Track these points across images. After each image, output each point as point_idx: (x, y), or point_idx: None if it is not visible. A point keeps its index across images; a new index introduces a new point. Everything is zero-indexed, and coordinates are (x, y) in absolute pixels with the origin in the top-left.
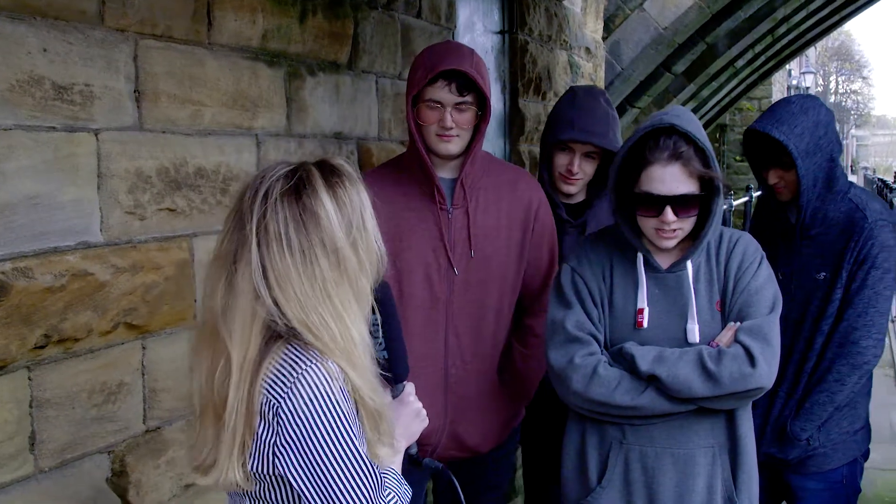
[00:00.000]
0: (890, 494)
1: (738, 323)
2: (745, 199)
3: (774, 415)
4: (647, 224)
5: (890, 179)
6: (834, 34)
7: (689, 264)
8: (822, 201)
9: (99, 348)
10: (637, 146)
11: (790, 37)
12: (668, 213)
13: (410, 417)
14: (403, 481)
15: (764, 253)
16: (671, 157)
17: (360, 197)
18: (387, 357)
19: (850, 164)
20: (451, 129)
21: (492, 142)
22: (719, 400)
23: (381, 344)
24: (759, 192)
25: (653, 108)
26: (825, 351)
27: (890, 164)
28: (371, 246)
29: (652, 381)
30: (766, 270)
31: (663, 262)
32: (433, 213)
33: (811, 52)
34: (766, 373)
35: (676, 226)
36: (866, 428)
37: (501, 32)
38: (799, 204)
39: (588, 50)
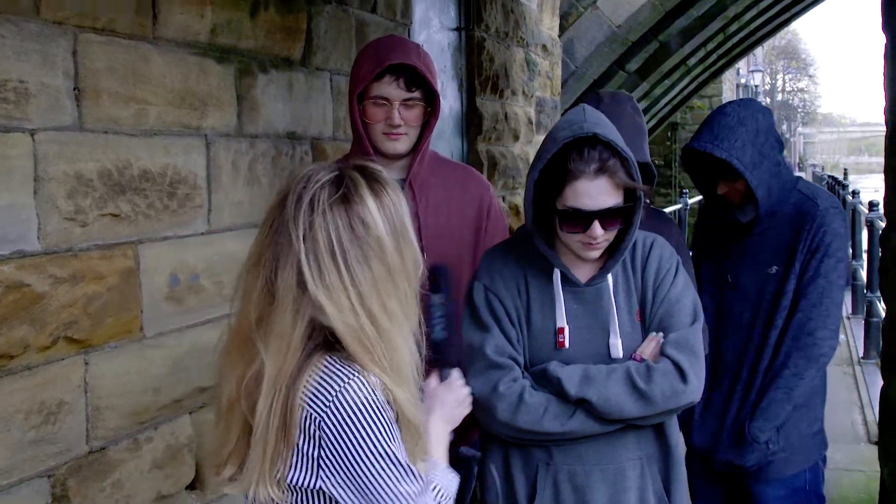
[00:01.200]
0: (856, 495)
1: (660, 334)
2: (701, 196)
3: (731, 418)
4: (572, 238)
5: (840, 176)
6: (781, 33)
7: (609, 277)
8: (770, 200)
9: (37, 365)
10: (558, 156)
11: (741, 35)
12: (597, 227)
13: (456, 403)
14: (450, 471)
15: (679, 258)
16: (598, 171)
17: (400, 202)
18: (444, 339)
19: (797, 162)
20: (400, 126)
21: (449, 141)
22: (651, 418)
23: (440, 324)
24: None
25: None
26: (779, 346)
27: (837, 160)
28: (414, 252)
29: (581, 403)
30: (683, 277)
31: (581, 275)
32: None
33: (759, 51)
34: (697, 387)
35: (602, 238)
36: (822, 430)
37: (458, 29)
38: (758, 213)
39: (545, 47)
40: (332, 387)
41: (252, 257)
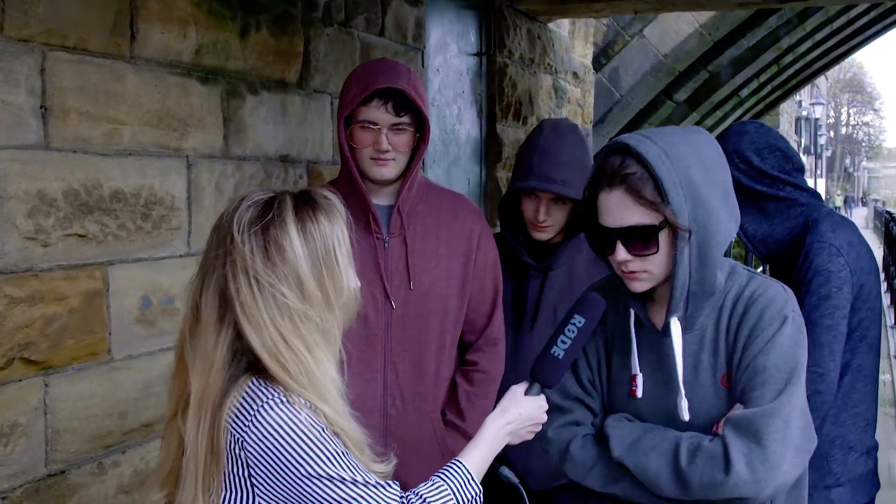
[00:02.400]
0: None
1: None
2: None
3: None
4: (613, 264)
5: None
6: (845, 65)
7: (673, 322)
8: (760, 224)
9: None
10: None
11: (796, 66)
12: (620, 249)
13: (530, 421)
14: (471, 483)
15: (798, 313)
16: (613, 181)
17: (333, 231)
18: (558, 357)
19: (860, 197)
20: (388, 152)
21: (466, 168)
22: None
23: (565, 344)
24: None
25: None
26: None
27: None
28: (340, 284)
29: (624, 468)
30: (788, 339)
31: (658, 319)
32: (369, 242)
33: (822, 82)
34: (748, 481)
35: (636, 267)
36: (849, 488)
37: (478, 54)
38: None
39: (576, 74)
40: (251, 407)
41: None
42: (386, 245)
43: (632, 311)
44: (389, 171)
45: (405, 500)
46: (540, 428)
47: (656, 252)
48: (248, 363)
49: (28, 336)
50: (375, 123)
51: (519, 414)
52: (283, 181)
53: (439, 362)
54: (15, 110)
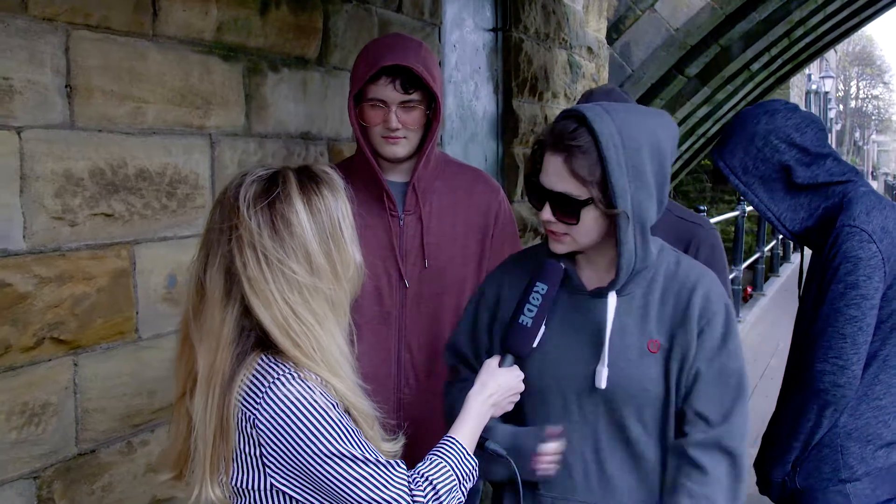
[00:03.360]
0: None
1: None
2: None
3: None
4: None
5: None
6: (855, 38)
7: (611, 296)
8: (822, 212)
9: (21, 366)
10: None
11: (807, 39)
12: (546, 209)
13: (510, 391)
14: (468, 457)
15: (729, 301)
16: (558, 146)
17: (337, 205)
18: (526, 325)
19: (870, 170)
20: (398, 129)
21: (483, 143)
22: None
23: (531, 312)
24: None
25: (665, 111)
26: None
27: None
28: (347, 257)
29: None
30: (734, 338)
31: (589, 282)
32: (383, 220)
33: (831, 56)
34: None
35: (558, 229)
36: (867, 482)
37: (494, 30)
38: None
39: (590, 49)
40: (261, 384)
41: (197, 254)
42: (401, 223)
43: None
44: (401, 148)
45: (411, 480)
46: (518, 397)
47: (576, 224)
48: (257, 339)
49: (57, 316)
50: (384, 101)
51: (498, 385)
52: (304, 159)
53: None
54: (41, 90)
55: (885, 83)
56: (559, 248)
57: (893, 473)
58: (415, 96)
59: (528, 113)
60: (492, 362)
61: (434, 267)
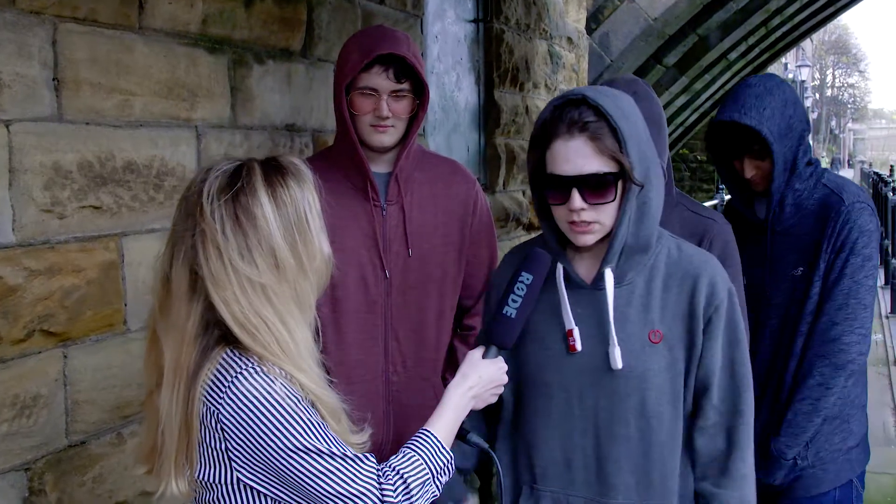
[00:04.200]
0: (883, 499)
1: None
2: None
3: (757, 434)
4: (560, 216)
5: (885, 173)
6: (831, 27)
7: (607, 273)
8: (790, 188)
9: (11, 358)
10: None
11: (784, 28)
12: (576, 198)
13: (492, 383)
14: (442, 450)
15: (732, 287)
16: (573, 129)
17: (304, 196)
18: (511, 316)
19: (846, 158)
20: (388, 118)
21: (465, 134)
22: None
23: (516, 303)
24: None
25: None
26: (804, 354)
27: (887, 157)
28: (313, 249)
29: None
30: (740, 319)
31: (585, 274)
32: (366, 210)
33: (807, 45)
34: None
35: (589, 217)
36: (862, 446)
37: (475, 21)
38: (770, 192)
39: (570, 40)
40: (225, 378)
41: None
42: (384, 213)
43: (560, 267)
44: (389, 137)
45: (381, 474)
46: (502, 389)
47: (613, 200)
48: (221, 334)
49: (47, 308)
50: (376, 90)
51: (479, 377)
52: (290, 150)
53: (439, 328)
54: (29, 83)
55: (860, 72)
56: (588, 238)
57: (867, 436)
58: (405, 85)
59: (509, 103)
60: (475, 353)
61: (417, 256)
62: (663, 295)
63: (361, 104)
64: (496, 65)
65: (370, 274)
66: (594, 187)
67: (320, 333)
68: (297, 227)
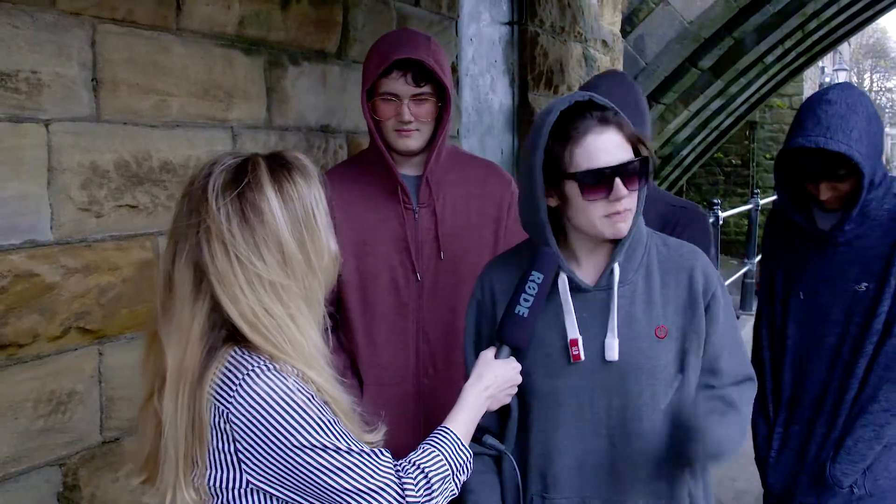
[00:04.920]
0: None
1: None
2: (774, 197)
3: (811, 457)
4: (594, 212)
5: None
6: (869, 31)
7: (615, 268)
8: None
9: (48, 354)
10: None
11: (821, 32)
12: (620, 186)
13: (507, 383)
14: (462, 448)
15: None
16: (604, 122)
17: (310, 192)
18: (523, 315)
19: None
20: (410, 122)
21: (499, 137)
22: None
23: (527, 302)
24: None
25: (679, 104)
26: (868, 376)
27: None
28: (321, 246)
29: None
30: (728, 297)
31: (588, 278)
32: (397, 213)
33: (845, 48)
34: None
35: (630, 204)
36: None
37: (510, 23)
38: (849, 211)
39: (605, 42)
40: (234, 377)
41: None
42: (416, 216)
43: (564, 276)
44: (414, 141)
45: (399, 468)
46: (516, 390)
47: (647, 182)
48: (228, 334)
49: (84, 306)
50: (396, 95)
51: (495, 377)
52: (324, 151)
53: None
54: (68, 83)
55: None
56: (626, 227)
57: None
58: (426, 89)
59: (543, 106)
60: (487, 353)
61: (449, 258)
62: (662, 290)
63: (384, 109)
64: (530, 67)
65: (401, 276)
66: (631, 174)
67: (351, 335)
68: (304, 223)
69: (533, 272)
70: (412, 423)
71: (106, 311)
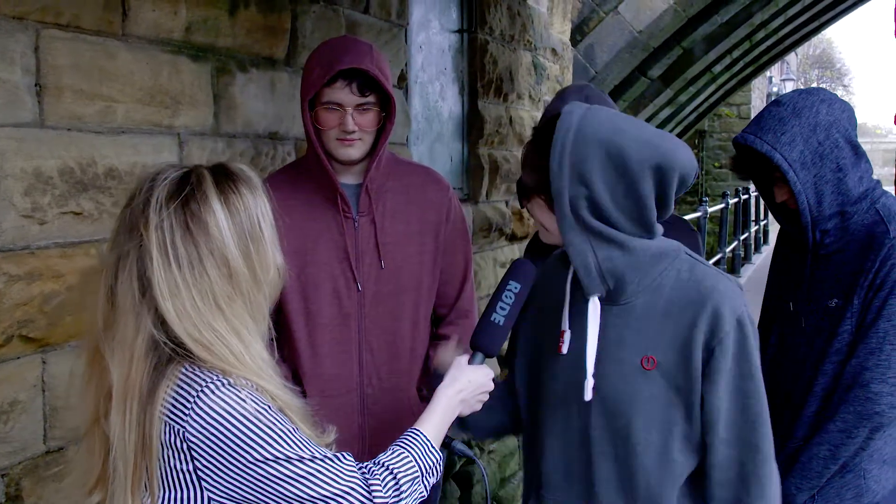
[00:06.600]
0: None
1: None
2: (722, 205)
3: None
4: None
5: None
6: (815, 42)
7: (591, 303)
8: (832, 214)
9: None
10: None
11: (769, 42)
12: None
13: (480, 389)
14: (432, 450)
15: (745, 313)
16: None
17: (256, 204)
18: (499, 324)
19: None
20: (354, 132)
21: (448, 144)
22: None
23: (504, 311)
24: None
25: (629, 112)
26: (830, 395)
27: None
28: (267, 259)
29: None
30: (750, 352)
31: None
32: (337, 222)
33: (792, 59)
34: None
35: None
36: None
37: (460, 31)
38: (801, 224)
39: (554, 51)
40: (188, 394)
41: (100, 259)
42: (356, 225)
43: (571, 269)
44: (356, 150)
45: (365, 469)
46: (488, 396)
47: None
48: (172, 348)
49: (27, 314)
50: (340, 104)
51: (468, 381)
52: (272, 158)
53: (414, 338)
54: (11, 88)
55: (844, 86)
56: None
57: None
58: (370, 98)
59: (493, 114)
60: (462, 359)
61: (390, 267)
62: (662, 320)
63: (326, 119)
64: (480, 75)
65: (343, 286)
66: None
67: (294, 346)
68: (250, 236)
69: (511, 281)
70: (356, 435)
71: (50, 318)
